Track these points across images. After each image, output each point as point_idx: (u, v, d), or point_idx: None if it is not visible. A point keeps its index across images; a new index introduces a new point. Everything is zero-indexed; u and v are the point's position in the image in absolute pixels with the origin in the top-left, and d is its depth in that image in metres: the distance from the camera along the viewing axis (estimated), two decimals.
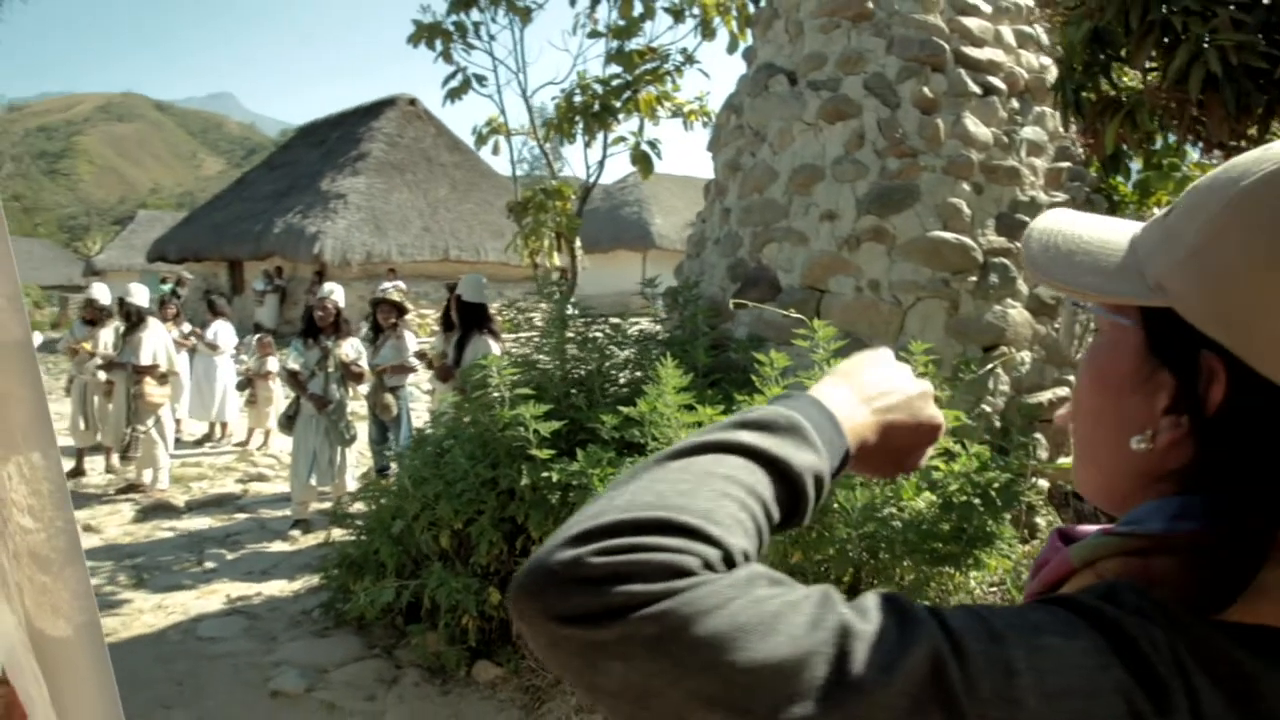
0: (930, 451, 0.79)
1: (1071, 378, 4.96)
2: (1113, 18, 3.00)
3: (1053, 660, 0.51)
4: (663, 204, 29.69)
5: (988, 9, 5.07)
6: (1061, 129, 5.10)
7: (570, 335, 4.93)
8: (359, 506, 5.26)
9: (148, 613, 5.10)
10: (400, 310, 7.52)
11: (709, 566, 0.51)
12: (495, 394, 4.35)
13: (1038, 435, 4.47)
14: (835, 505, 3.41)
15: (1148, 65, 3.12)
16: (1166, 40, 2.93)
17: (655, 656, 0.48)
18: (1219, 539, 0.58)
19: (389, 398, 7.06)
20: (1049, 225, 0.71)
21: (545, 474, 3.98)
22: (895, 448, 0.76)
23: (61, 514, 1.17)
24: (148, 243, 26.61)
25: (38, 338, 11.59)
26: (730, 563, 0.52)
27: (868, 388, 0.75)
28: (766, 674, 0.47)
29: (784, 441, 0.62)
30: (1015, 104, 5.03)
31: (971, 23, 4.95)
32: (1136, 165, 4.88)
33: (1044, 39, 5.29)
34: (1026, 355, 4.84)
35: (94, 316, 8.34)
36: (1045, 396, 4.75)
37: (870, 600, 0.53)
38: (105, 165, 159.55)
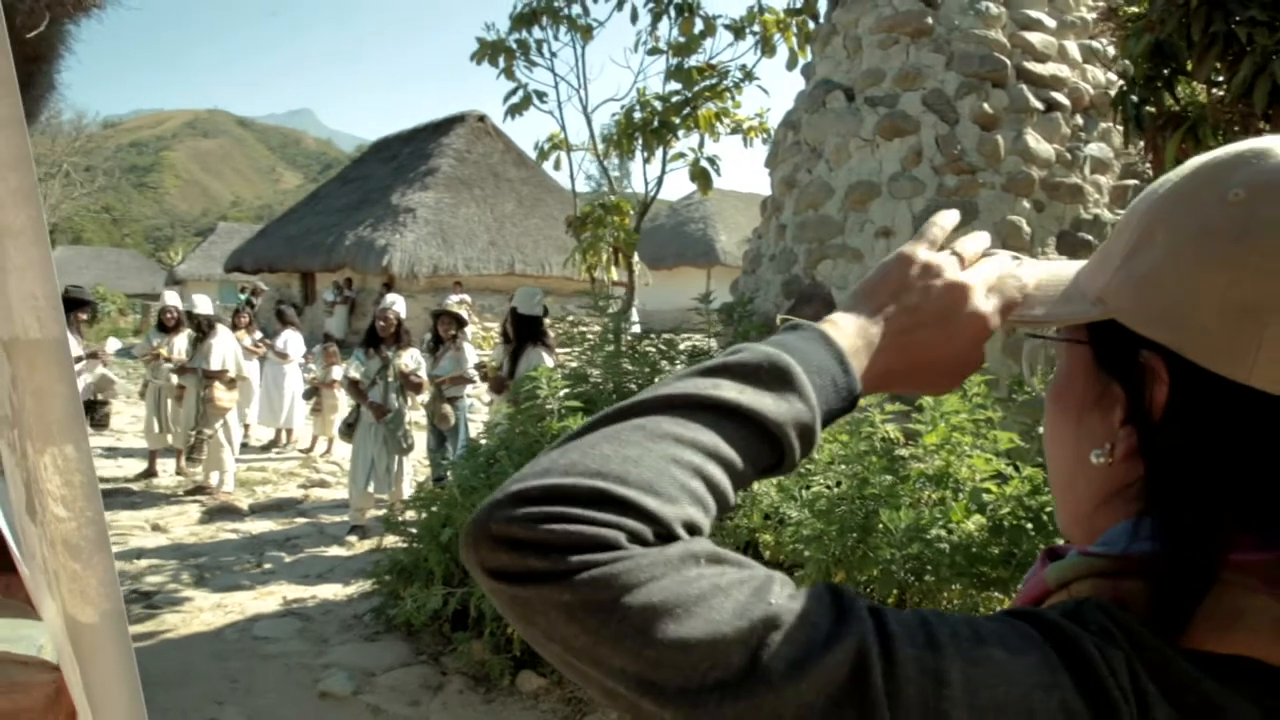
0: (978, 356, 0.70)
1: None
2: (1174, 30, 2.93)
3: (991, 673, 0.49)
4: (727, 221, 29.71)
5: (1052, 24, 4.97)
6: (1124, 145, 4.97)
7: (622, 349, 4.95)
8: (412, 514, 5.35)
9: (207, 611, 5.24)
10: (460, 322, 7.64)
11: (638, 540, 0.50)
12: (546, 405, 4.40)
13: None
14: (880, 525, 3.36)
15: (1211, 78, 3.03)
16: (1231, 52, 2.85)
17: (571, 623, 0.48)
18: (1170, 559, 0.56)
19: (447, 408, 7.17)
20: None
21: None
22: (931, 363, 0.68)
23: (91, 505, 1.21)
24: (226, 254, 27.51)
25: (116, 344, 12.06)
26: (668, 537, 0.51)
27: (885, 305, 0.68)
28: (675, 655, 0.47)
29: (763, 392, 0.58)
30: (1079, 120, 4.92)
31: (1035, 38, 4.87)
32: None
33: (1111, 53, 5.18)
34: None
35: (170, 323, 8.65)
36: None
37: (811, 593, 0.51)
38: (190, 179, 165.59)
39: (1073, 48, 5.04)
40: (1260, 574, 0.54)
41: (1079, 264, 0.69)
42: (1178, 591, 0.54)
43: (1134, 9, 3.30)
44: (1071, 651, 0.51)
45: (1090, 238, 4.68)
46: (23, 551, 1.67)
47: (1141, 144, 3.61)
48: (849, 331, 0.66)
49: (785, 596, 0.50)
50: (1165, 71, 3.22)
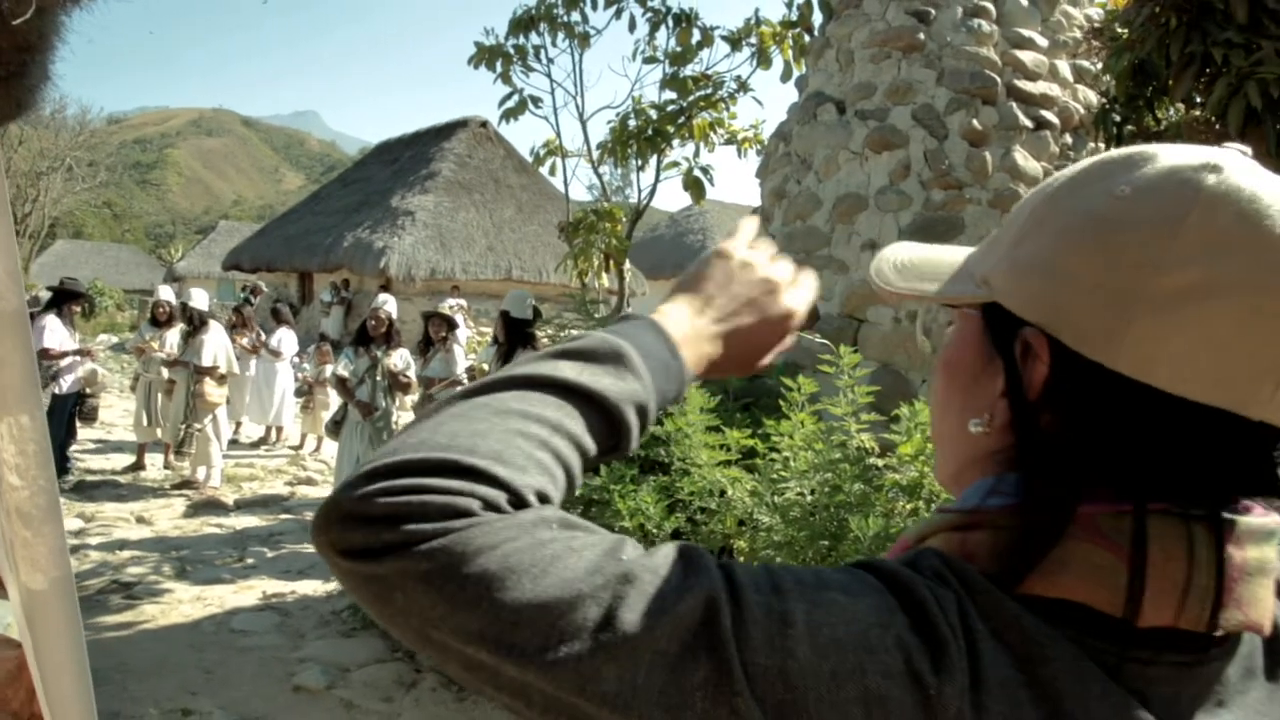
0: (786, 342, 0.78)
1: None
2: (1154, 49, 2.96)
3: (832, 614, 0.52)
4: (726, 232, 29.74)
5: (1044, 43, 5.02)
6: None
7: None
8: None
9: (186, 603, 5.24)
10: (451, 325, 7.65)
11: (491, 507, 0.52)
12: None
13: None
14: (851, 533, 3.37)
15: (1189, 98, 3.07)
16: (1208, 73, 2.89)
17: (428, 592, 0.49)
18: (1019, 513, 0.59)
19: None
20: (901, 250, 0.75)
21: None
22: (747, 349, 0.75)
23: (44, 473, 1.24)
24: (226, 252, 27.53)
25: (111, 339, 12.04)
26: (519, 504, 0.53)
27: (709, 298, 0.74)
28: (533, 613, 0.48)
29: (602, 372, 0.62)
30: (1069, 139, 4.96)
31: (1026, 56, 4.91)
32: None
33: (1096, 71, 5.22)
34: None
35: (161, 318, 8.66)
36: None
37: (661, 550, 0.54)
38: (193, 177, 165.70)
39: (1064, 67, 5.09)
40: (1089, 525, 0.57)
41: (968, 249, 0.73)
42: (1023, 543, 0.57)
43: (1118, 28, 3.34)
44: (906, 594, 0.54)
45: None
46: None
47: None
48: (678, 320, 0.71)
49: (637, 554, 0.53)
50: (1147, 91, 3.26)
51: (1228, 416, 0.56)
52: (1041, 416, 0.61)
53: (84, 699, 1.18)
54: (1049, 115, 4.94)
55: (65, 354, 7.57)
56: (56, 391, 7.46)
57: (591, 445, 0.60)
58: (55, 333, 7.46)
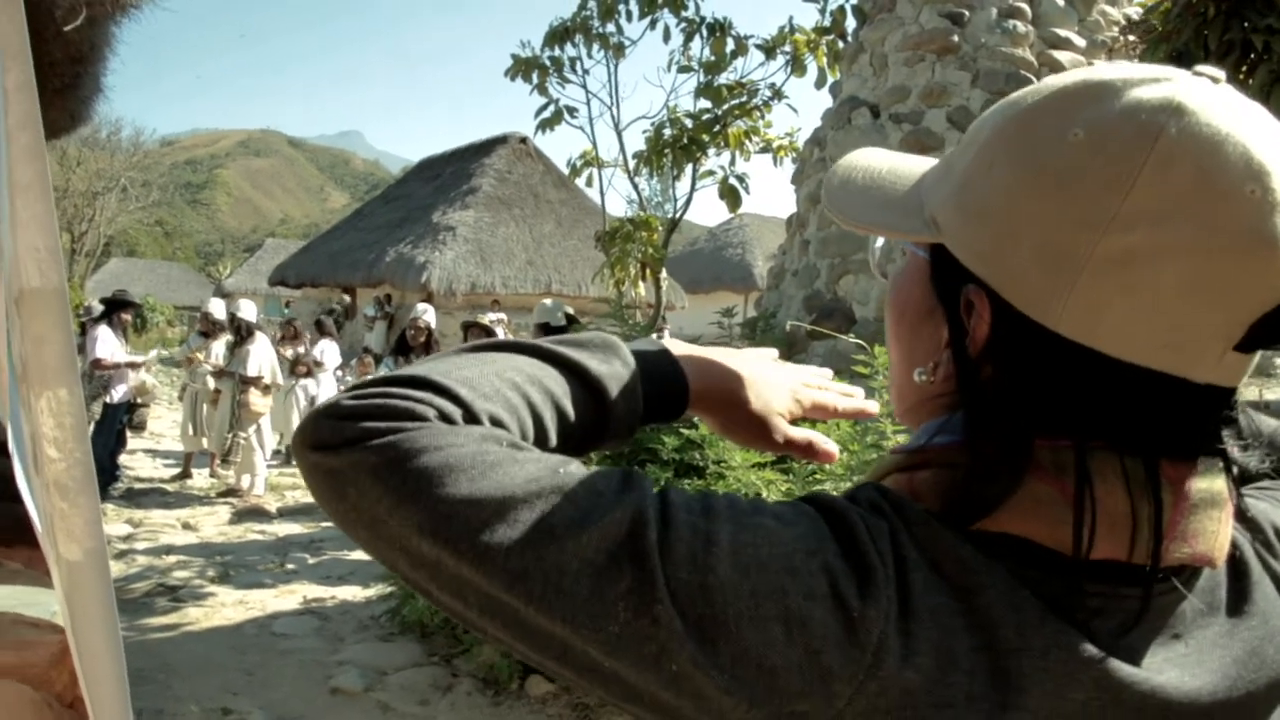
0: (814, 443, 0.78)
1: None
2: (1191, 39, 2.92)
3: (759, 537, 0.53)
4: (765, 245, 29.69)
5: (1081, 43, 4.97)
6: None
7: None
8: None
9: (229, 606, 5.33)
10: (490, 335, 7.73)
11: (445, 418, 0.55)
12: None
13: None
14: None
15: None
16: (1247, 60, 2.84)
17: (376, 484, 0.52)
18: (965, 452, 0.58)
19: None
20: (852, 161, 0.72)
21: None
22: (742, 422, 0.77)
23: (80, 446, 1.27)
24: (272, 268, 28.04)
25: (162, 353, 12.34)
26: (472, 422, 0.56)
27: (735, 358, 0.77)
28: (467, 508, 0.50)
29: (589, 353, 0.65)
30: None
31: (1063, 56, 4.87)
32: None
33: None
34: None
35: (208, 330, 8.85)
36: None
37: (603, 469, 0.55)
38: (241, 196, 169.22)
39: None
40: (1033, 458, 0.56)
41: (928, 162, 0.70)
42: (973, 482, 0.57)
43: (1153, 20, 3.30)
44: (839, 523, 0.55)
45: None
46: (37, 510, 1.74)
47: None
48: (691, 349, 0.74)
49: (578, 471, 0.54)
50: None
51: (1175, 380, 0.55)
52: (983, 370, 0.60)
53: (116, 665, 1.21)
54: None
55: (117, 365, 7.76)
56: (108, 401, 7.64)
57: (571, 411, 0.63)
58: (107, 343, 7.66)
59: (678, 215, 7.45)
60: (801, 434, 0.79)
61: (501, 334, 13.19)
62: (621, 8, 6.71)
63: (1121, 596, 0.56)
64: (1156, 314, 0.53)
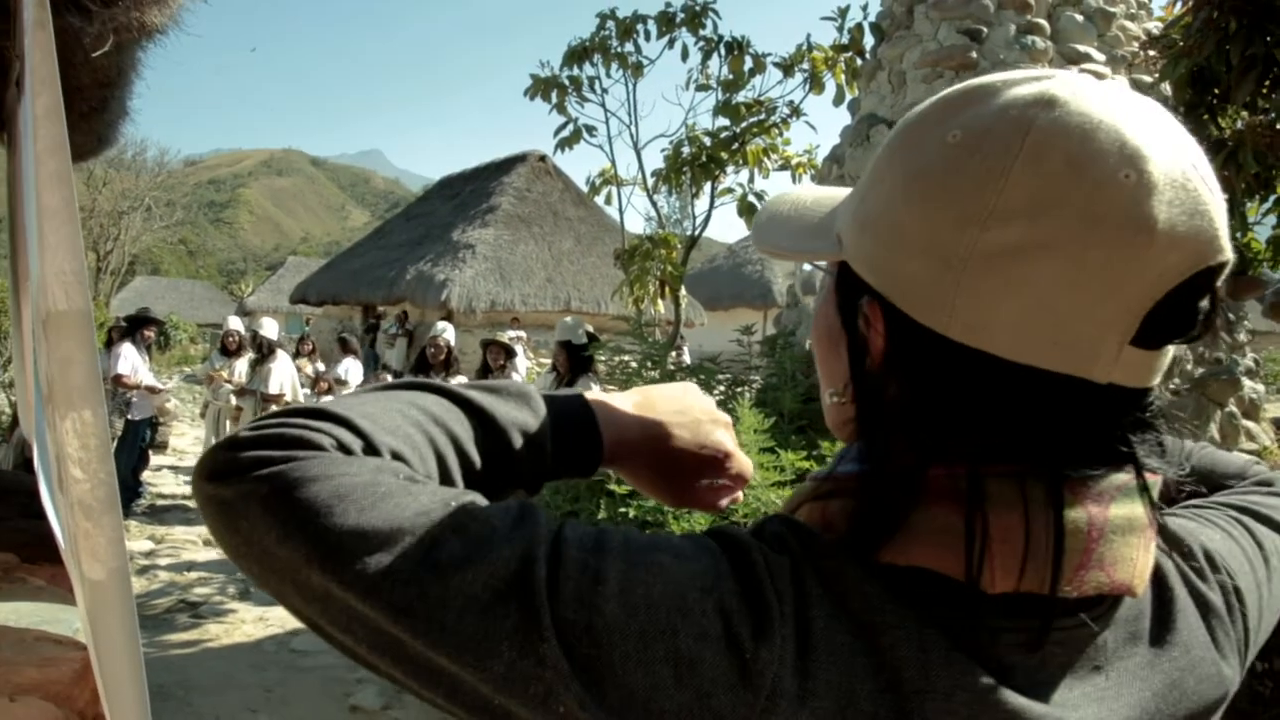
0: (735, 497, 0.77)
1: (1205, 443, 4.67)
2: (1212, 54, 2.91)
3: (650, 575, 0.51)
4: (784, 263, 29.66)
5: (1100, 58, 4.95)
6: None
7: (655, 377, 4.98)
8: None
9: (249, 623, 5.35)
10: (509, 353, 7.75)
11: (342, 448, 0.54)
12: None
13: None
14: None
15: (1254, 102, 3.00)
16: (1271, 75, 2.82)
17: (265, 514, 0.50)
18: (865, 480, 0.57)
19: None
20: (781, 196, 0.72)
21: (623, 509, 4.02)
22: (671, 466, 0.74)
23: (104, 467, 1.29)
24: (294, 286, 28.28)
25: (176, 376, 12.42)
26: (371, 453, 0.55)
27: (652, 397, 0.75)
28: (353, 540, 0.49)
29: (497, 399, 0.64)
30: None
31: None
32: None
33: (1166, 88, 5.12)
34: None
35: (230, 348, 8.93)
36: None
37: (499, 504, 0.54)
38: (263, 215, 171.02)
39: (1123, 82, 5.00)
40: (940, 488, 0.55)
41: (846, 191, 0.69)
42: (868, 512, 0.56)
43: (1174, 34, 3.29)
44: (739, 559, 0.54)
45: None
46: (61, 530, 1.75)
47: None
48: (607, 399, 0.72)
49: (472, 505, 0.53)
50: (1208, 98, 3.19)
51: (1075, 381, 0.53)
52: (888, 389, 0.58)
53: (138, 682, 1.22)
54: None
55: (137, 385, 7.84)
56: (130, 418, 7.70)
57: (475, 456, 0.62)
58: (128, 359, 7.72)
59: (696, 233, 7.46)
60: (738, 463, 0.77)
61: (520, 351, 13.22)
62: (640, 27, 6.76)
63: (1033, 630, 0.54)
64: (1043, 310, 0.51)
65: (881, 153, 0.59)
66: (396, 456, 0.56)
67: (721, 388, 5.12)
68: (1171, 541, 0.64)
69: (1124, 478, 0.55)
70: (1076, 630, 0.56)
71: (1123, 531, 0.54)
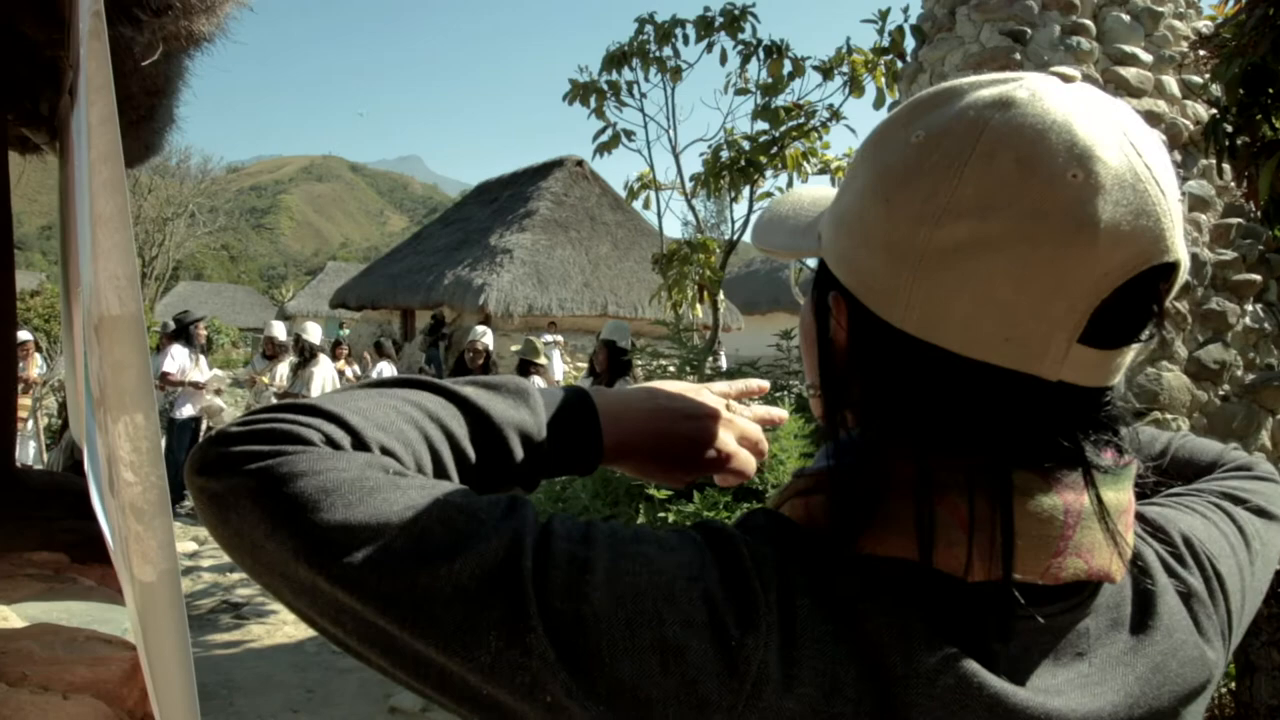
0: (730, 480, 0.77)
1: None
2: (1268, 53, 2.84)
3: (637, 565, 0.52)
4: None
5: (1148, 59, 4.85)
6: (1218, 179, 4.79)
7: (695, 380, 4.97)
8: None
9: (290, 624, 5.41)
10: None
11: (331, 443, 0.54)
12: None
13: None
14: None
15: None
16: None
17: (255, 507, 0.51)
18: (831, 475, 0.59)
19: None
20: (783, 197, 0.75)
21: (661, 514, 4.01)
22: (672, 462, 0.75)
23: (155, 470, 1.30)
24: (333, 291, 28.63)
25: (228, 375, 12.66)
26: (360, 449, 0.55)
27: (657, 394, 0.75)
28: (340, 533, 0.49)
29: (495, 397, 0.64)
30: (1178, 156, 4.77)
31: (1129, 73, 4.76)
32: None
33: (1214, 88, 5.01)
34: (1184, 422, 4.50)
35: (272, 352, 9.05)
36: None
37: (490, 498, 0.54)
38: (304, 221, 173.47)
39: (1171, 83, 4.90)
40: (910, 479, 0.56)
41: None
42: (837, 506, 0.57)
43: (1225, 34, 3.22)
44: (723, 550, 0.55)
45: (1191, 279, 4.51)
46: (111, 531, 1.78)
47: (1231, 175, 3.48)
48: (610, 392, 0.73)
49: (460, 498, 0.53)
50: (1263, 98, 3.11)
51: (1028, 378, 0.54)
52: (851, 381, 0.60)
53: (186, 682, 1.23)
54: (1156, 132, 4.76)
55: (180, 383, 7.97)
56: (174, 417, 7.82)
57: (470, 451, 0.62)
58: (176, 359, 7.84)
59: (735, 237, 7.44)
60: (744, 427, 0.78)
61: (557, 356, 13.25)
62: (679, 31, 6.76)
63: (1019, 618, 0.55)
64: (992, 306, 0.52)
65: (858, 151, 0.62)
66: (386, 452, 0.56)
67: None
68: (1150, 529, 0.65)
69: (1099, 463, 0.56)
70: (1059, 617, 0.57)
71: (1098, 519, 0.56)
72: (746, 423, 0.78)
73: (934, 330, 0.54)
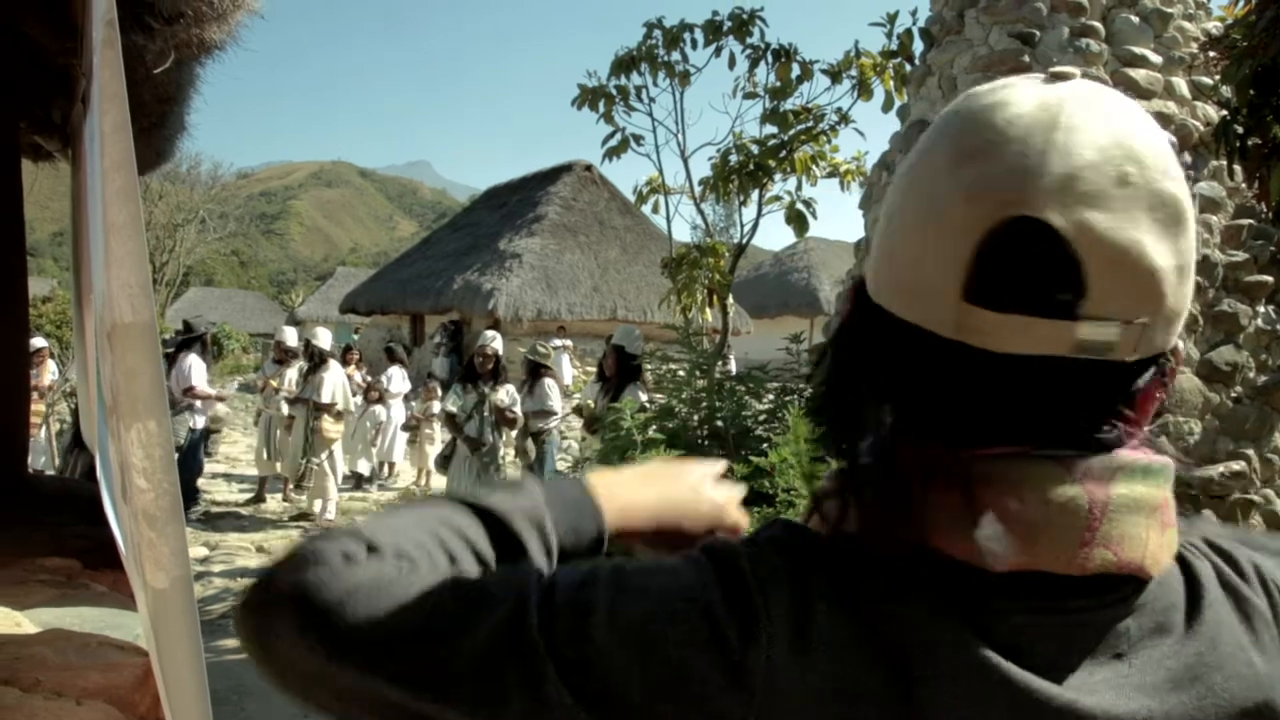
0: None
1: (1250, 451, 4.55)
2: (1278, 53, 2.83)
3: (635, 597, 0.55)
4: (831, 270, 29.45)
5: (1158, 60, 4.84)
6: (1229, 180, 4.76)
7: (704, 384, 4.97)
8: None
9: None
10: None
11: (350, 557, 0.57)
12: (630, 438, 4.44)
13: (1206, 511, 4.11)
14: None
15: None
16: None
17: (287, 627, 0.55)
18: (852, 475, 0.60)
19: (529, 443, 7.32)
20: None
21: None
22: (669, 540, 0.76)
23: (168, 477, 1.31)
24: (343, 296, 28.71)
25: (236, 382, 12.70)
26: (379, 557, 0.58)
27: (661, 483, 0.77)
28: (364, 628, 0.53)
29: (499, 495, 0.67)
30: (1188, 158, 4.75)
31: (1139, 74, 4.74)
32: None
33: (1210, 84, 4.99)
34: (1196, 425, 4.48)
35: (282, 357, 9.08)
36: (1216, 470, 4.37)
37: (497, 570, 0.59)
38: (313, 226, 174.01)
39: (1181, 84, 4.89)
40: (938, 473, 0.56)
41: None
42: (858, 503, 0.58)
43: (1235, 35, 3.20)
44: (725, 567, 0.56)
45: (1199, 278, 4.49)
46: (123, 537, 1.79)
47: (1242, 176, 3.46)
48: (606, 477, 0.75)
49: (472, 575, 0.58)
50: (1274, 99, 3.10)
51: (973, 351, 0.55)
52: (834, 356, 0.64)
53: (199, 687, 1.24)
54: (1166, 134, 4.74)
55: (208, 395, 7.99)
56: (192, 426, 7.85)
57: (489, 551, 0.63)
58: (200, 372, 7.83)
59: (744, 241, 7.43)
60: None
61: (566, 360, 13.25)
62: (687, 36, 6.76)
63: (1045, 612, 0.55)
64: (897, 264, 0.57)
65: None
66: (400, 554, 0.59)
67: (770, 396, 5.09)
68: (1214, 549, 0.63)
69: (1127, 458, 0.56)
70: (1095, 613, 0.56)
71: (1128, 510, 0.55)
72: (740, 517, 0.80)
73: (875, 283, 0.59)
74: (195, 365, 7.78)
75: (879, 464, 0.58)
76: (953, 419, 0.57)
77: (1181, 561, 0.60)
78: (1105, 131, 0.54)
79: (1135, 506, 0.55)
